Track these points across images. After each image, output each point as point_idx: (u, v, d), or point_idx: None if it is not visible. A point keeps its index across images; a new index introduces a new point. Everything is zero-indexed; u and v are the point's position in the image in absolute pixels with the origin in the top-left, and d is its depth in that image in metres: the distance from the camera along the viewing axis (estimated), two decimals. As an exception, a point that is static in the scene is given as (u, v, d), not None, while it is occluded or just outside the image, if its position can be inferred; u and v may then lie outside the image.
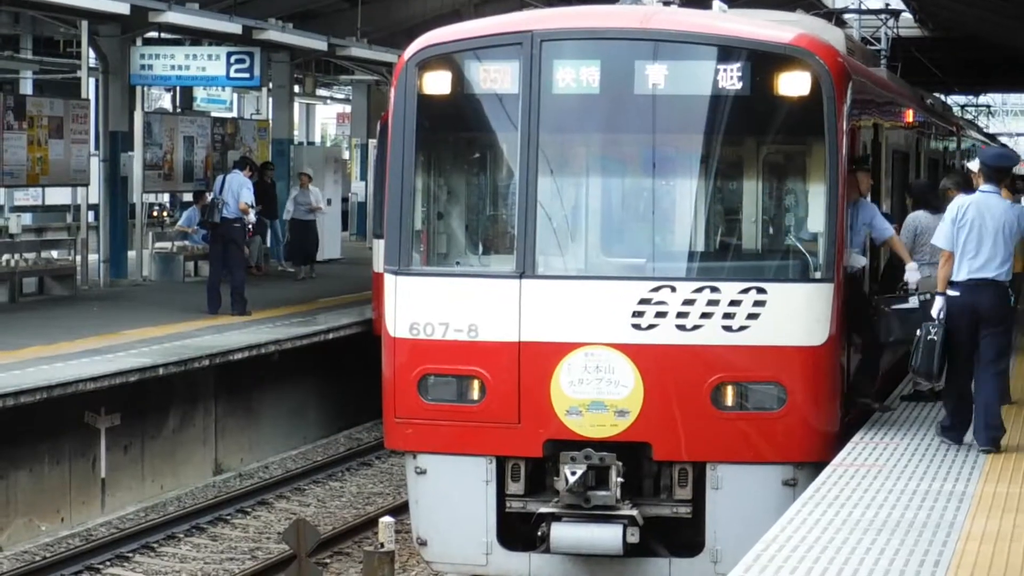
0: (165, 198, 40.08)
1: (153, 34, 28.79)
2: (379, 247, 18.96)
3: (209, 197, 23.44)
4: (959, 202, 12.50)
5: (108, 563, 15.87)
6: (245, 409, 21.49)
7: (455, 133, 13.68)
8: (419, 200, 13.25)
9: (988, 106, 72.02)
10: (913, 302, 13.09)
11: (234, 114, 44.09)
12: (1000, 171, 12.60)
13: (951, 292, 12.31)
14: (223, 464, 20.78)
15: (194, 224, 29.45)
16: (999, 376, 12.55)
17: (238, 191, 22.91)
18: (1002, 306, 12.35)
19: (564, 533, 12.52)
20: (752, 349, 12.53)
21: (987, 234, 12.21)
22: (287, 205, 29.67)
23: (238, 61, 27.71)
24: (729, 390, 12.59)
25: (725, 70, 12.71)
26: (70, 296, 25.31)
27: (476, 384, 12.84)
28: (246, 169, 23.82)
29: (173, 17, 25.42)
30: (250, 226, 23.99)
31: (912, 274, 13.76)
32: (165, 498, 18.94)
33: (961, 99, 62.12)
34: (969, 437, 12.51)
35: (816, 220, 12.95)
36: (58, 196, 35.66)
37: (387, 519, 15.65)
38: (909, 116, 18.43)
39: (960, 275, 12.25)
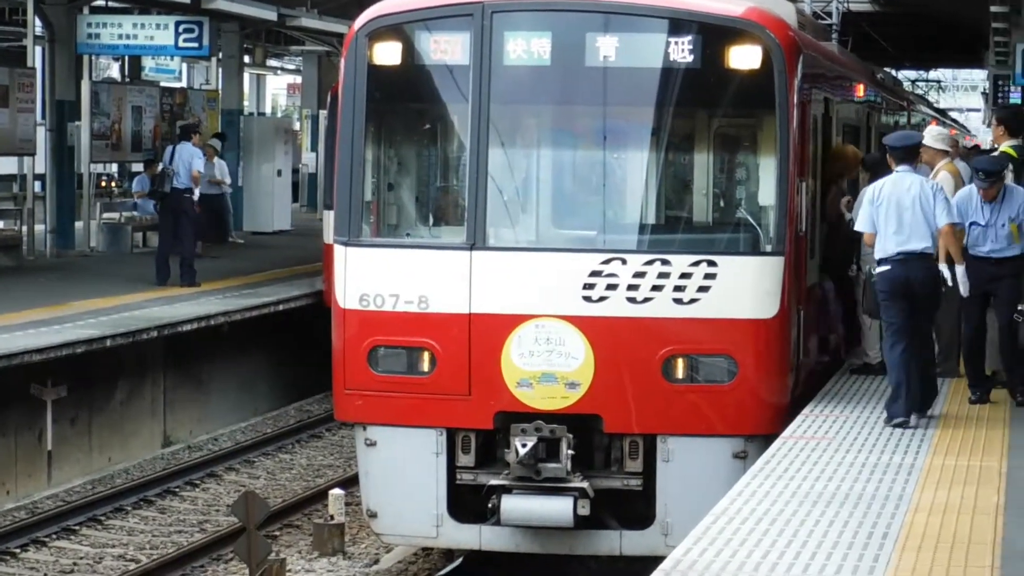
0: (113, 168, 39.79)
1: (101, 2, 28.57)
2: (329, 218, 18.91)
3: (159, 168, 23.29)
4: (875, 184, 12.65)
5: (54, 536, 15.79)
6: (195, 381, 21.42)
7: (405, 104, 13.64)
8: (369, 171, 13.22)
9: (939, 81, 72.23)
10: None
11: (183, 84, 43.77)
12: (908, 151, 12.71)
13: (881, 268, 12.38)
14: (172, 436, 20.70)
15: (146, 189, 29.15)
16: (926, 356, 12.68)
17: (189, 160, 22.81)
18: (934, 281, 12.46)
19: (514, 505, 12.54)
20: (703, 322, 12.57)
21: (904, 208, 12.29)
22: None
23: (187, 30, 27.50)
24: (680, 363, 12.62)
25: (676, 43, 12.72)
26: (16, 267, 25.13)
27: (426, 356, 12.83)
28: (193, 137, 23.68)
29: (121, -15, 25.25)
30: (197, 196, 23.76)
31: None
32: (113, 471, 18.87)
33: (912, 74, 62.27)
34: (914, 420, 12.56)
35: (767, 193, 12.99)
36: (4, 166, 35.34)
37: (337, 491, 15.68)
38: (860, 90, 18.49)
39: (888, 251, 12.32)
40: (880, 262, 12.39)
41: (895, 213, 12.28)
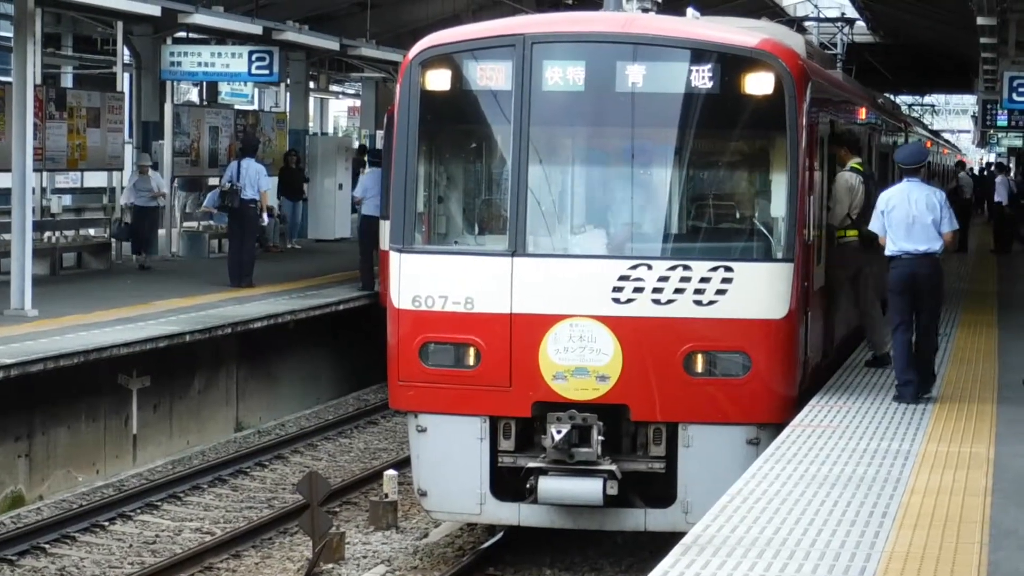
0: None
1: (182, 34, 28.70)
2: (385, 227, 18.94)
3: (226, 184, 23.21)
4: (885, 193, 13.02)
5: (138, 511, 15.86)
6: (264, 373, 21.47)
7: (454, 125, 13.64)
8: (421, 185, 13.22)
9: (932, 105, 72.00)
10: None
11: (255, 107, 43.89)
12: (917, 166, 13.06)
13: (892, 266, 12.89)
14: (244, 422, 20.77)
15: (214, 206, 29.20)
16: (926, 345, 13.14)
17: (256, 178, 22.81)
18: (936, 278, 12.95)
19: (550, 486, 12.53)
20: (720, 321, 12.54)
21: (912, 214, 12.72)
22: (125, 191, 27.68)
23: (259, 59, 27.61)
24: (699, 358, 12.59)
25: (697, 70, 12.70)
26: (105, 270, 25.26)
27: (472, 351, 12.83)
28: (256, 153, 23.64)
29: (200, 19, 25.35)
30: (267, 210, 23.79)
31: None
32: (191, 452, 18.93)
33: (908, 99, 62.07)
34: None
35: (778, 206, 12.96)
36: (95, 179, 35.52)
37: (391, 472, 15.70)
38: (862, 113, 18.42)
39: (897, 250, 12.73)
40: (890, 260, 12.75)
41: (904, 219, 12.65)
